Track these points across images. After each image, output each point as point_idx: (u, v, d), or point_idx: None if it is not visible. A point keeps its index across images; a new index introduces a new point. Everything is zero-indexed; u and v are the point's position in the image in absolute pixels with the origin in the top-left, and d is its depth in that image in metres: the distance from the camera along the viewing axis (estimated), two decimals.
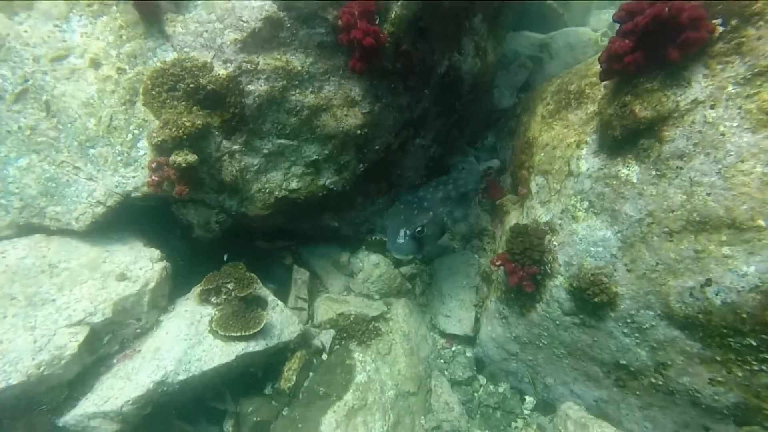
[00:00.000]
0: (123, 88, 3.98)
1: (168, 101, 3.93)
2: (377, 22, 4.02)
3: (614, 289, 3.63)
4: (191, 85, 3.91)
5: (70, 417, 3.55)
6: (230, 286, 4.17)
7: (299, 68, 4.18)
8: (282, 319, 4.37)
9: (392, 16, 4.16)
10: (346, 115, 4.48)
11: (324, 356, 4.58)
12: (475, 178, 5.15)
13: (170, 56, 3.98)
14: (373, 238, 5.44)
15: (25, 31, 3.98)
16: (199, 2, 3.97)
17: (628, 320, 3.64)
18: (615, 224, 3.62)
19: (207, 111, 4.06)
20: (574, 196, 3.92)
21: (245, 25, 3.90)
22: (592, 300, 3.70)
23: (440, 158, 6.07)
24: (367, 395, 4.11)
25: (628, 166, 3.57)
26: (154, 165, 3.75)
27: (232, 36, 3.90)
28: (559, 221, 4.01)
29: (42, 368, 3.47)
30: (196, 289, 4.33)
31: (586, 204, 3.81)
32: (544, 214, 4.24)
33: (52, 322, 3.66)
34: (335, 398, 3.98)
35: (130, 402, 3.54)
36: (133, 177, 4.00)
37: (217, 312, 4.14)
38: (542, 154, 4.53)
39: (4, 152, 4.02)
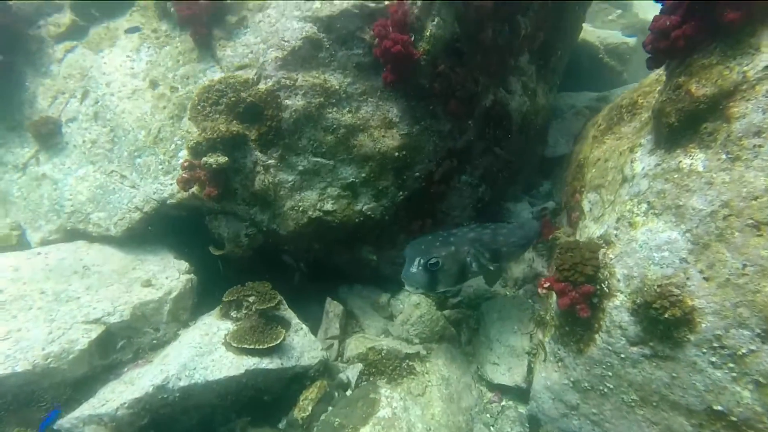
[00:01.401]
0: (173, 104, 4.29)
1: (210, 114, 4.15)
2: (412, 38, 4.10)
3: (690, 303, 2.92)
4: (232, 99, 4.12)
5: (65, 420, 3.32)
6: (251, 299, 3.95)
7: (337, 87, 4.29)
8: (303, 343, 4.00)
9: (427, 34, 4.24)
10: (383, 136, 4.45)
11: (348, 392, 4.04)
12: (524, 235, 4.35)
13: (218, 76, 4.29)
14: None
15: (104, 63, 4.54)
16: (249, 29, 4.33)
17: (715, 344, 2.86)
18: (681, 222, 3.03)
19: (245, 125, 4.22)
20: (630, 200, 3.40)
21: (286, 44, 4.16)
22: (661, 317, 2.99)
23: (490, 202, 5.75)
24: None
25: (690, 156, 3.07)
26: (186, 164, 3.85)
27: (274, 54, 4.16)
28: (615, 231, 3.45)
29: (49, 360, 3.36)
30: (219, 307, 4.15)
31: (644, 206, 3.27)
32: (597, 229, 3.70)
33: (71, 317, 3.62)
34: (351, 430, 3.40)
35: (126, 405, 3.26)
36: (171, 184, 4.14)
37: (234, 326, 3.89)
38: (594, 171, 4.09)
39: (68, 164, 4.38)
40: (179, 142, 4.19)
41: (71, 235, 4.29)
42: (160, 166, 4.18)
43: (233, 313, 3.99)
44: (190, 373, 3.41)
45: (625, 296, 3.24)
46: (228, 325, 3.93)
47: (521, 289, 5.12)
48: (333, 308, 4.79)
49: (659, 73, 4.09)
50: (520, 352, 4.51)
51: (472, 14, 4.45)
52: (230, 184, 4.18)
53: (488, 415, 4.27)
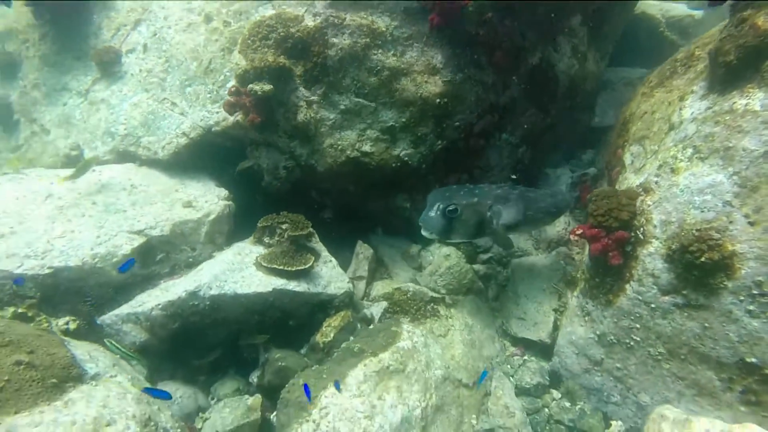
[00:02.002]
0: (225, 37, 4.46)
1: (260, 48, 4.28)
2: None
3: (730, 247, 2.80)
4: (281, 34, 4.23)
5: (107, 316, 3.56)
6: (285, 226, 4.07)
7: (383, 29, 4.32)
8: (331, 274, 4.10)
9: None
10: (426, 82, 4.45)
11: (371, 327, 4.12)
12: (554, 203, 4.18)
13: (269, 12, 4.41)
14: None
15: None
16: None
17: (755, 291, 2.74)
18: (729, 165, 2.89)
19: (292, 60, 4.32)
20: (674, 146, 3.27)
21: None
22: (697, 261, 2.88)
23: (530, 164, 5.65)
24: (407, 362, 3.52)
25: (747, 96, 2.91)
26: (233, 89, 4.00)
27: None
28: (655, 179, 3.33)
29: (96, 260, 3.60)
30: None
31: (689, 151, 3.14)
32: (637, 179, 3.58)
33: (117, 226, 3.85)
34: (370, 354, 3.47)
35: (160, 306, 3.46)
36: (217, 112, 4.31)
37: (266, 250, 4.03)
38: (639, 124, 3.95)
39: (125, 91, 4.64)
40: (228, 74, 4.36)
41: (123, 156, 4.55)
42: (209, 95, 4.36)
43: (266, 239, 4.14)
44: (221, 284, 3.57)
45: (661, 242, 3.14)
46: (260, 250, 4.08)
47: (554, 251, 5.03)
48: (363, 250, 4.86)
49: (722, 24, 3.88)
50: (547, 309, 4.45)
51: None
52: (273, 116, 4.31)
53: (509, 366, 4.25)
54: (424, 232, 3.64)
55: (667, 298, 3.13)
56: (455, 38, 4.40)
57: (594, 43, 5.72)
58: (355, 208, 5.18)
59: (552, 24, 4.91)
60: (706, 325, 2.97)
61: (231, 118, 4.24)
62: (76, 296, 3.58)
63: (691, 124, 3.19)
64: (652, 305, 3.22)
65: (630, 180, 3.69)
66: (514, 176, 5.36)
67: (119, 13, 4.91)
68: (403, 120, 4.51)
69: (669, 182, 3.19)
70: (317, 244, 4.32)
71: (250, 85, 3.98)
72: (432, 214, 3.56)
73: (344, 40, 4.26)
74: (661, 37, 7.13)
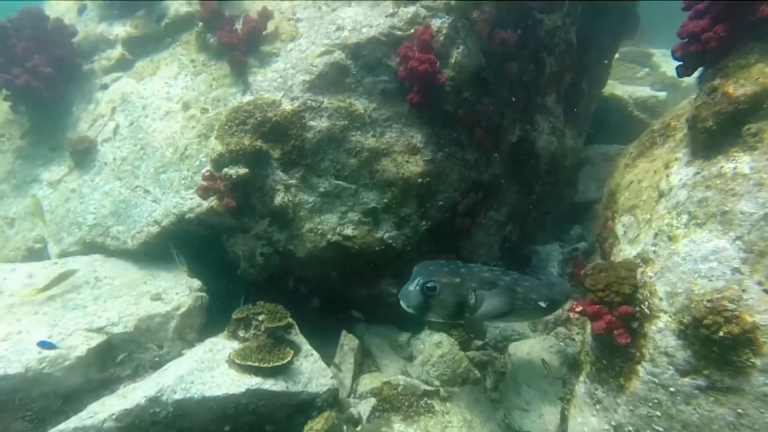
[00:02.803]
0: (202, 124, 4.42)
1: (237, 133, 4.22)
2: (437, 64, 4.17)
3: (749, 319, 2.55)
4: (258, 118, 4.21)
5: None
6: (261, 317, 3.74)
7: (362, 111, 4.35)
8: (313, 369, 3.69)
9: (452, 61, 4.32)
10: (407, 162, 4.40)
11: (359, 428, 3.64)
12: (548, 296, 3.68)
13: (247, 98, 4.43)
14: None
15: (144, 89, 4.79)
16: (280, 57, 4.52)
17: None
18: (730, 230, 2.73)
19: (270, 144, 4.26)
20: (668, 213, 3.13)
21: (314, 69, 4.30)
22: (715, 336, 2.61)
23: (518, 243, 5.50)
24: None
25: (733, 160, 2.84)
26: (207, 173, 3.86)
27: (301, 78, 4.29)
28: (653, 248, 3.15)
29: (44, 364, 3.20)
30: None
31: (684, 218, 3.00)
32: (633, 250, 3.40)
33: (74, 324, 3.50)
34: None
35: (114, 417, 3.00)
36: (191, 199, 4.14)
37: (241, 345, 3.65)
38: (626, 193, 3.86)
39: (97, 180, 4.49)
40: (204, 159, 4.25)
41: (90, 248, 4.28)
42: (183, 181, 4.21)
43: (241, 333, 3.77)
44: (187, 386, 3.15)
45: (670, 316, 2.88)
46: (235, 345, 3.70)
47: (552, 332, 4.70)
48: (348, 341, 4.48)
49: (691, 98, 3.97)
50: (552, 398, 4.02)
51: (497, 46, 4.53)
52: (249, 200, 4.15)
53: None
54: (402, 305, 3.37)
55: (687, 380, 2.80)
56: (434, 118, 4.43)
57: (570, 121, 5.87)
58: (338, 295, 4.86)
59: (528, 101, 5.02)
60: (740, 411, 2.62)
61: (205, 204, 4.07)
62: (14, 411, 3.11)
63: (682, 190, 3.09)
64: (671, 389, 2.87)
65: (625, 251, 3.51)
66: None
67: (98, 105, 4.92)
68: (385, 201, 4.39)
69: (668, 251, 3.01)
70: (297, 337, 3.95)
71: (225, 169, 3.86)
72: (411, 288, 3.30)
73: (322, 122, 4.24)
74: (630, 116, 7.43)
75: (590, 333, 3.56)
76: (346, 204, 4.38)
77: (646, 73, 8.41)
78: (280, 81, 4.39)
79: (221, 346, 3.67)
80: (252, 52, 4.63)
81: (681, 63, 3.17)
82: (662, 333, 2.91)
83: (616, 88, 7.66)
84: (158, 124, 4.51)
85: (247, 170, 3.90)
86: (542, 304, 3.61)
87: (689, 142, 3.25)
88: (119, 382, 3.51)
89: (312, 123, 4.24)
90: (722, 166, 2.88)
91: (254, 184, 4.16)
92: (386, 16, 4.34)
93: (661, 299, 2.95)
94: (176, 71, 4.80)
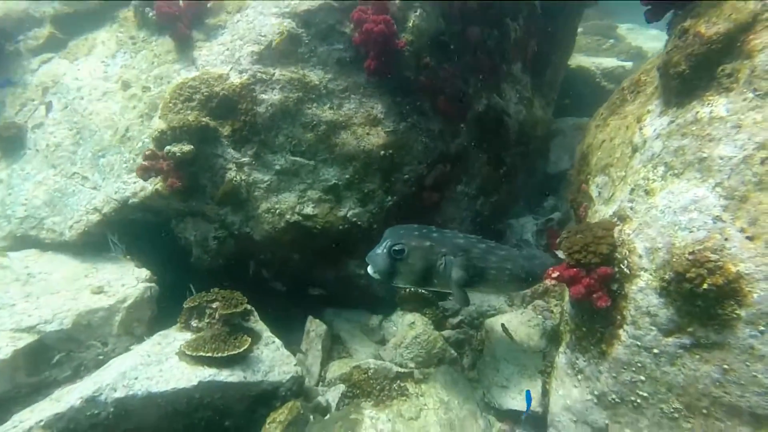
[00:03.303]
0: (144, 103, 4.06)
1: (182, 110, 3.88)
2: (394, 25, 3.90)
3: (733, 269, 2.38)
4: (205, 94, 3.88)
5: None
6: (215, 305, 3.42)
7: (317, 82, 4.06)
8: (274, 357, 3.40)
9: (410, 25, 4.06)
10: (368, 134, 4.14)
11: (327, 417, 3.37)
12: (525, 268, 3.46)
13: (193, 74, 4.08)
14: (408, 290, 4.49)
15: (78, 69, 4.38)
16: (227, 29, 4.19)
17: None
18: (709, 177, 2.56)
19: (219, 120, 3.93)
20: (644, 167, 2.95)
21: (263, 39, 3.98)
22: (699, 290, 2.43)
23: (491, 216, 5.31)
24: None
25: (709, 104, 2.67)
26: (148, 153, 3.52)
27: (249, 48, 3.97)
28: (630, 204, 2.96)
29: None
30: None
31: (660, 169, 2.81)
32: (609, 209, 3.21)
33: None
34: None
35: (42, 423, 2.65)
36: (134, 183, 3.78)
37: (194, 335, 3.33)
38: (599, 153, 3.68)
39: (28, 169, 4.08)
40: (147, 141, 3.90)
41: (22, 242, 3.88)
42: (125, 165, 3.85)
43: (194, 323, 3.45)
44: (130, 383, 2.82)
45: (651, 274, 2.69)
46: (188, 336, 3.37)
47: (529, 306, 4.51)
48: (315, 327, 4.20)
49: (660, 53, 3.81)
50: (532, 372, 3.84)
51: (457, 10, 4.30)
52: (198, 181, 3.82)
53: None
54: (369, 270, 3.13)
55: (671, 339, 2.62)
56: (394, 86, 4.17)
57: (538, 89, 5.69)
58: (303, 279, 4.58)
59: (494, 69, 4.81)
60: (726, 366, 2.45)
61: (149, 187, 3.72)
62: None
63: (656, 141, 2.91)
64: (655, 350, 2.69)
65: (601, 212, 3.32)
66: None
67: (26, 89, 4.48)
68: (347, 177, 4.13)
69: (646, 205, 2.82)
70: (256, 324, 3.65)
71: (167, 147, 3.51)
72: (378, 251, 3.07)
73: (274, 95, 3.93)
74: (598, 86, 7.32)
75: (568, 300, 3.37)
76: (304, 181, 4.09)
77: (611, 45, 8.34)
78: (227, 54, 4.06)
79: (172, 338, 3.34)
80: (196, 25, 4.28)
81: (648, 8, 2.97)
82: (643, 292, 2.72)
83: (581, 60, 7.54)
84: (95, 106, 4.12)
85: (192, 147, 3.57)
86: (521, 275, 3.41)
87: (661, 91, 3.07)
88: (56, 386, 3.16)
89: (263, 96, 3.93)
90: (697, 112, 2.70)
91: (202, 163, 3.84)
92: None
93: (640, 256, 2.76)
94: (114, 49, 4.41)
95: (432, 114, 4.38)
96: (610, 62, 7.49)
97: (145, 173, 3.51)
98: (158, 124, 3.89)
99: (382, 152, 4.14)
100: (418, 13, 4.07)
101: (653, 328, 2.69)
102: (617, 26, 8.97)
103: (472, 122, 4.79)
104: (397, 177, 4.29)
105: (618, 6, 10.32)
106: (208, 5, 4.29)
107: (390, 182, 4.27)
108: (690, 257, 2.49)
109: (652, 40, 8.56)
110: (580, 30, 7.03)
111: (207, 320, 3.41)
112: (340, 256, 4.45)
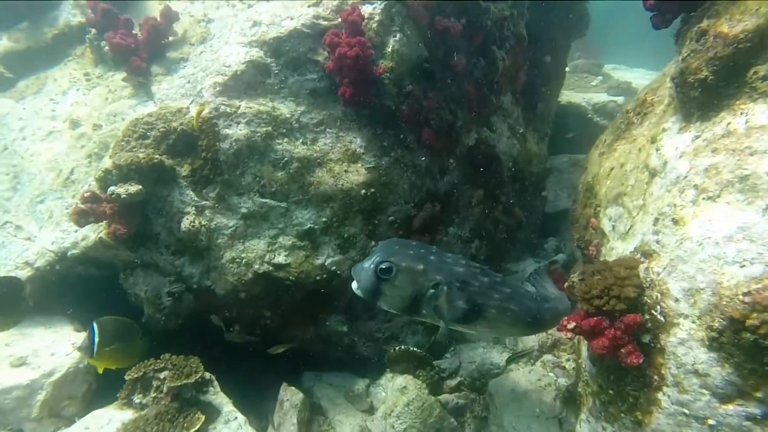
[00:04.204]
0: (93, 142, 3.62)
1: (136, 148, 3.43)
2: (372, 53, 3.55)
3: None
4: (162, 130, 3.45)
5: None
6: (164, 375, 2.81)
7: (288, 115, 3.66)
8: None
9: (389, 50, 3.72)
10: (346, 171, 3.70)
11: None
12: (531, 311, 2.91)
13: (150, 110, 3.67)
14: (398, 349, 3.89)
15: (23, 109, 3.97)
16: (189, 61, 3.83)
17: None
18: (756, 198, 2.09)
19: (177, 159, 3.48)
20: (668, 193, 2.49)
21: (227, 69, 3.61)
22: (766, 342, 1.91)
23: (487, 262, 4.78)
24: None
25: (742, 113, 2.25)
26: (87, 195, 3.01)
27: (212, 80, 3.59)
28: (655, 237, 2.47)
29: None
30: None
31: (690, 193, 2.35)
32: (628, 245, 2.72)
33: None
34: None
35: None
36: (75, 231, 3.26)
37: (136, 415, 2.70)
38: (608, 182, 3.24)
39: None
40: (93, 183, 3.41)
41: None
42: (66, 211, 3.35)
43: (138, 398, 2.83)
44: None
45: (693, 321, 2.16)
46: (128, 416, 2.73)
47: (538, 361, 3.92)
48: (289, 396, 3.56)
49: (665, 70, 3.47)
50: None
51: (440, 35, 3.99)
52: (151, 227, 3.31)
53: None
54: (352, 285, 2.59)
55: (731, 407, 2.05)
56: (375, 117, 3.78)
57: (531, 123, 5.35)
58: (277, 340, 3.97)
59: (482, 100, 4.47)
60: None
61: (92, 236, 3.20)
62: None
63: (680, 162, 2.46)
64: (710, 421, 2.12)
65: (618, 248, 2.83)
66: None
67: None
68: (324, 219, 3.65)
69: (676, 237, 2.33)
70: (216, 396, 3.03)
71: (112, 188, 3.02)
72: (365, 265, 2.55)
73: (240, 130, 3.51)
74: (590, 122, 7.06)
75: (587, 356, 2.81)
76: (275, 226, 3.60)
77: (600, 81, 8.19)
78: (188, 86, 3.68)
79: (106, 419, 2.71)
80: (157, 59, 3.92)
81: (654, 14, 2.63)
82: (686, 345, 2.18)
83: (571, 96, 7.32)
84: (38, 147, 3.67)
85: (140, 188, 3.08)
86: (527, 318, 2.85)
87: (679, 105, 2.67)
88: None
89: (227, 131, 3.50)
90: (729, 123, 2.28)
91: (156, 206, 3.35)
92: (309, 6, 3.74)
93: (677, 300, 2.24)
94: (66, 87, 4.02)
95: (417, 148, 3.97)
96: (600, 97, 7.28)
97: (81, 218, 3.00)
98: (106, 163, 3.43)
99: (363, 191, 3.68)
100: (397, 38, 3.75)
101: (704, 391, 2.12)
102: (603, 65, 8.90)
103: (461, 157, 4.39)
104: (380, 219, 3.81)
105: (603, 47, 10.39)
106: (171, 39, 3.95)
107: (373, 225, 3.79)
108: (746, 299, 1.97)
109: (639, 78, 8.45)
110: (567, 69, 6.85)
111: (153, 394, 2.79)
112: (319, 310, 3.89)
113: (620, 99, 7.21)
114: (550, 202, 5.62)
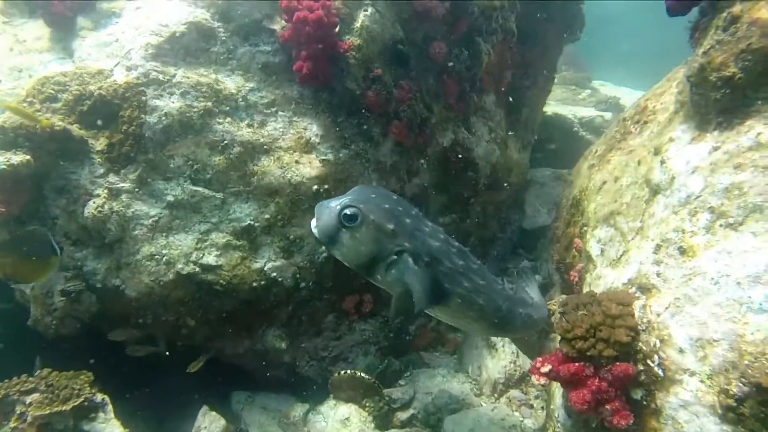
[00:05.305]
0: None
1: (41, 112, 2.80)
2: (336, 16, 3.02)
3: None
4: (75, 93, 2.84)
5: None
6: (30, 399, 2.20)
7: (233, 91, 3.11)
8: None
9: (357, 25, 3.20)
10: (297, 162, 3.16)
11: None
12: (500, 311, 2.42)
13: (66, 68, 3.05)
14: (343, 373, 3.34)
15: None
16: (123, 17, 3.22)
17: None
18: None
19: (92, 131, 2.88)
20: (674, 215, 2.03)
21: (164, 29, 3.02)
22: None
23: None
24: None
25: None
26: None
27: (145, 40, 2.99)
28: (655, 268, 2.01)
29: None
30: None
31: (704, 218, 1.89)
32: (620, 274, 2.25)
33: None
34: None
35: None
36: None
37: None
38: (599, 198, 2.78)
39: None
40: None
41: None
42: None
43: None
44: None
45: (702, 381, 1.70)
46: None
47: (503, 397, 3.43)
48: (208, 423, 2.99)
49: (671, 74, 3.05)
50: None
51: (419, 17, 3.49)
52: (46, 210, 2.70)
53: None
54: (311, 223, 2.09)
55: None
56: (335, 102, 3.25)
57: (513, 130, 4.89)
58: (202, 353, 3.38)
59: (462, 97, 3.98)
60: None
61: None
62: None
63: (693, 178, 2.01)
64: None
65: (608, 278, 2.36)
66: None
67: None
68: (267, 217, 3.10)
69: (683, 270, 1.87)
70: (106, 425, 2.43)
71: None
72: (331, 204, 2.07)
73: (172, 102, 2.93)
74: (575, 136, 6.66)
75: (561, 404, 2.33)
76: (208, 220, 3.03)
77: (588, 95, 7.85)
78: (115, 45, 3.07)
79: None
80: (86, 10, 3.30)
81: None
82: (690, 410, 1.71)
83: (558, 108, 6.94)
84: None
85: (29, 158, 2.47)
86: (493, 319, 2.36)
87: (690, 112, 2.22)
88: None
89: (157, 102, 2.92)
90: (759, 134, 1.83)
91: (56, 184, 2.74)
92: None
93: (681, 351, 1.77)
94: None
95: (383, 142, 3.45)
96: (588, 112, 6.92)
97: None
98: None
99: (316, 187, 3.15)
100: (369, 12, 3.23)
101: None
102: (592, 79, 8.59)
103: (434, 158, 3.89)
104: None
105: (590, 60, 10.13)
106: None
107: None
108: None
109: (628, 95, 8.15)
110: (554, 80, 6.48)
111: (13, 425, 2.17)
112: (255, 321, 3.32)
113: (608, 115, 6.87)
114: (529, 217, 5.16)
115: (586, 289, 2.60)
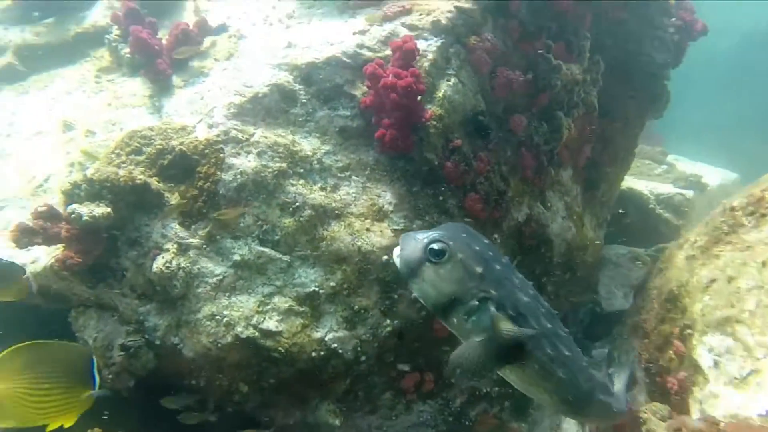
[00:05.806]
0: (81, 150, 3.10)
1: (125, 164, 2.88)
2: (423, 84, 2.97)
3: None
4: (158, 147, 2.91)
5: None
6: None
7: (309, 153, 3.09)
8: None
9: (439, 95, 3.15)
10: (368, 230, 3.05)
11: None
12: (580, 393, 2.17)
13: (153, 123, 3.16)
14: None
15: (21, 103, 3.58)
16: (211, 76, 3.36)
17: None
18: None
19: (169, 184, 2.91)
20: None
21: (247, 90, 3.10)
22: None
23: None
24: None
25: None
26: (42, 209, 2.41)
27: (228, 99, 3.08)
28: None
29: None
30: None
31: None
32: (751, 400, 1.88)
33: None
34: None
35: None
36: (27, 251, 2.66)
37: None
38: (707, 299, 2.44)
39: None
40: (59, 198, 2.86)
41: None
42: None
43: None
44: None
45: None
46: None
47: None
48: None
49: None
50: None
51: (500, 88, 3.41)
52: (118, 261, 2.69)
53: None
54: (394, 251, 1.89)
55: None
56: (411, 171, 3.16)
57: (589, 206, 4.62)
58: (252, 422, 3.18)
59: (539, 170, 3.80)
60: None
61: (45, 260, 2.59)
62: None
63: None
64: None
65: (729, 400, 1.99)
66: None
67: None
68: (332, 284, 2.96)
69: None
70: None
71: (73, 206, 2.43)
72: (418, 236, 1.88)
73: (248, 161, 2.93)
74: (652, 213, 6.25)
75: None
76: (272, 283, 2.92)
77: (664, 170, 7.43)
78: (200, 103, 3.17)
79: None
80: (180, 68, 3.48)
81: None
82: None
83: (632, 182, 6.58)
84: (18, 146, 3.19)
85: (109, 210, 2.48)
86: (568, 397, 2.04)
87: None
88: None
89: (233, 160, 2.93)
90: None
91: (130, 236, 2.74)
92: (354, 33, 3.25)
93: None
94: (73, 87, 3.62)
95: (458, 214, 3.29)
96: (666, 188, 6.51)
97: (23, 237, 2.39)
98: (77, 175, 2.89)
99: (386, 257, 2.99)
100: (451, 83, 3.18)
101: None
102: (668, 153, 8.19)
103: (508, 233, 3.68)
104: (402, 294, 3.09)
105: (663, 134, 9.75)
106: (201, 48, 3.53)
107: (392, 300, 3.07)
108: None
109: (709, 172, 7.68)
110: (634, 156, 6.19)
111: None
112: (310, 393, 3.11)
113: (690, 193, 6.42)
114: (603, 299, 4.76)
115: (695, 406, 2.22)
